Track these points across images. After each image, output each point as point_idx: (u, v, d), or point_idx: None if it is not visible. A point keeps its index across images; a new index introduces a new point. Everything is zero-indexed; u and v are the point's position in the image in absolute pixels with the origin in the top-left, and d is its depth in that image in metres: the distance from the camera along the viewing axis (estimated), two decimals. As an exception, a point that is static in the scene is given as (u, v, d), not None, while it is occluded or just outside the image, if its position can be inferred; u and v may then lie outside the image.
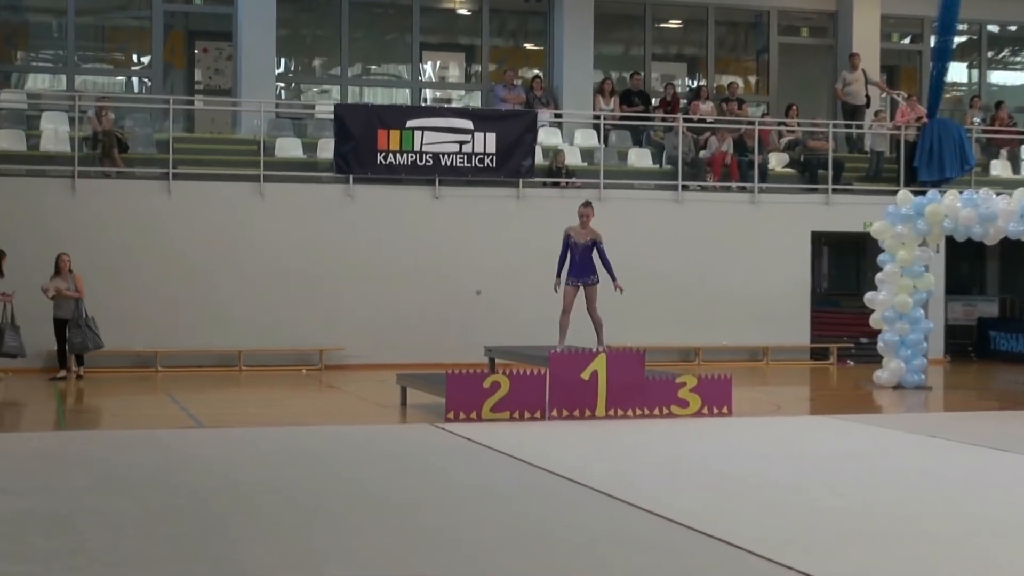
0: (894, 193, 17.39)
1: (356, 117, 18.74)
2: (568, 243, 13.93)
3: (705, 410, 12.91)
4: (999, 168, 22.63)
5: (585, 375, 12.53)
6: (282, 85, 22.60)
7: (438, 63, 23.64)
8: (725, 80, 23.60)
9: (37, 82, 22.19)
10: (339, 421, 12.78)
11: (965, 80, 26.30)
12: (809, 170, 21.06)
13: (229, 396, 15.56)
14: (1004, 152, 22.96)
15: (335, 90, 22.48)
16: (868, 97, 22.46)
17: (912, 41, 25.53)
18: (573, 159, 20.38)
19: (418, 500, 8.33)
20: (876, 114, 22.49)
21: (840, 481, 9.17)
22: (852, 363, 20.07)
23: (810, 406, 15.63)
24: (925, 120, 21.20)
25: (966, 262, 22.63)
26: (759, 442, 11.33)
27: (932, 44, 22.30)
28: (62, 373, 16.48)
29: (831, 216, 20.48)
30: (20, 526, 7.38)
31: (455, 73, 24.02)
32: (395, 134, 18.64)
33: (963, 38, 25.06)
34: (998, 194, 15.38)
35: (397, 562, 6.69)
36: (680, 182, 19.97)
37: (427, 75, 23.22)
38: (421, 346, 18.30)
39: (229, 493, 8.53)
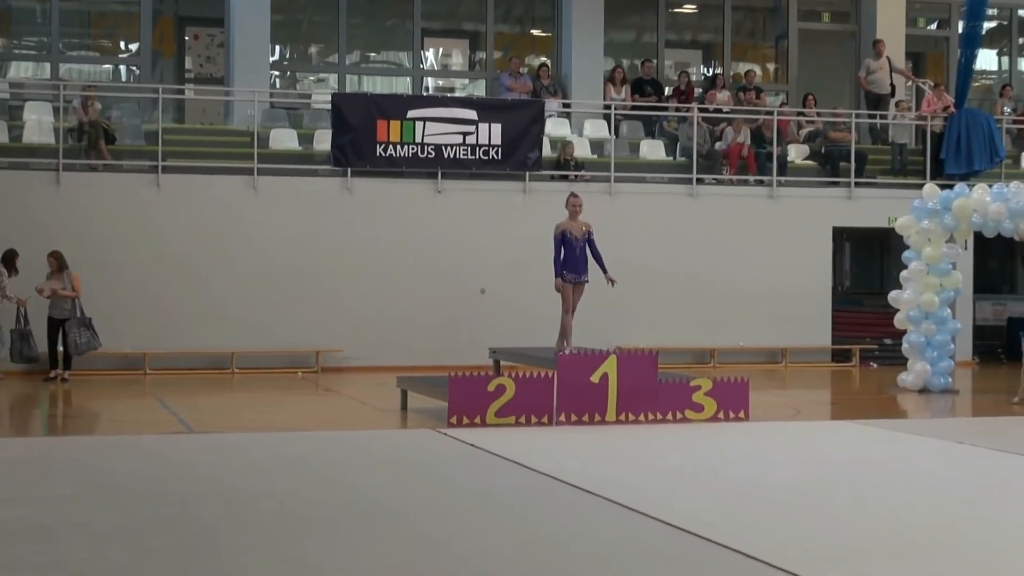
0: (920, 187, 17.38)
1: (354, 107, 18.73)
2: (564, 239, 13.91)
3: (721, 415, 12.90)
4: (1030, 160, 22.61)
5: (594, 378, 12.51)
6: (277, 73, 22.61)
7: (440, 50, 23.64)
8: (742, 68, 23.58)
9: (20, 70, 22.21)
10: (337, 426, 12.77)
11: (995, 68, 26.26)
12: (830, 162, 21.04)
13: (221, 400, 15.56)
14: (1036, 144, 22.93)
15: (332, 78, 22.48)
16: (892, 86, 22.42)
17: (939, 27, 25.49)
18: (582, 151, 20.37)
19: (419, 508, 8.33)
20: (900, 104, 22.45)
21: (863, 489, 9.15)
22: (875, 365, 20.04)
23: (831, 411, 15.61)
24: (952, 110, 21.16)
25: (995, 259, 22.59)
26: (777, 448, 11.32)
27: (960, 30, 22.28)
28: (53, 373, 16.56)
29: (853, 211, 20.46)
30: None
31: (458, 61, 24.02)
32: (395, 125, 18.63)
33: (993, 23, 25.02)
34: (1029, 188, 15.36)
35: (398, 573, 6.68)
36: (695, 175, 19.95)
37: (429, 63, 23.21)
38: (422, 347, 18.30)
39: (221, 502, 8.53)
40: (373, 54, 23.60)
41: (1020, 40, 25.71)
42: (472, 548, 7.27)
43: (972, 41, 20.70)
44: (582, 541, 7.44)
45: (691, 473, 9.93)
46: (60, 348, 16.64)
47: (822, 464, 10.37)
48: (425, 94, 21.84)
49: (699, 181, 20.04)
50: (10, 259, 16.60)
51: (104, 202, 17.81)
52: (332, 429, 12.51)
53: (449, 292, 18.68)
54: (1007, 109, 23.05)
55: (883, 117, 22.25)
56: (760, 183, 20.44)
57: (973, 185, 16.41)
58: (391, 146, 18.63)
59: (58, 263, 16.68)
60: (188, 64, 22.16)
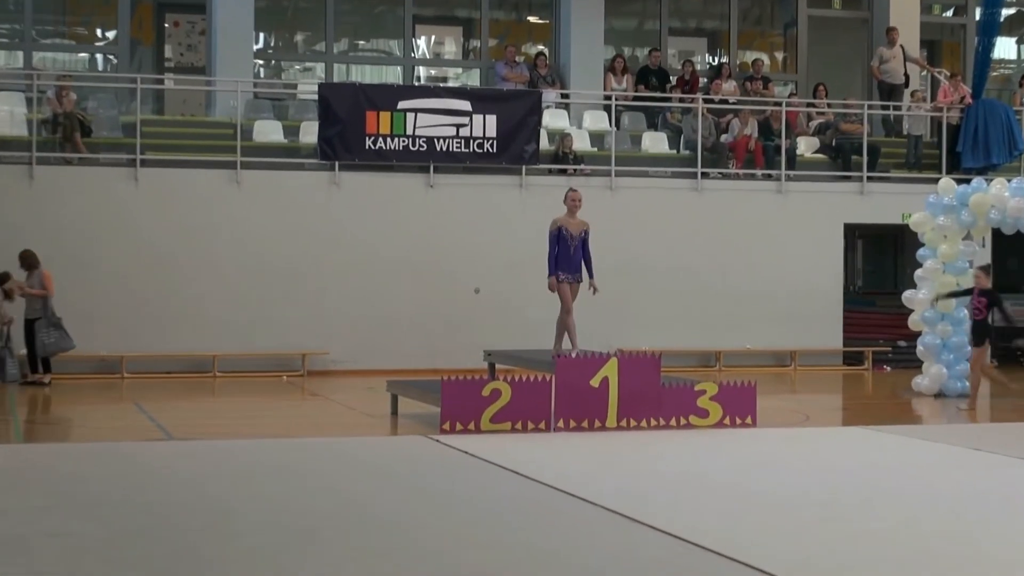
0: (935, 181, 17.39)
1: (342, 98, 18.73)
2: (560, 237, 13.92)
3: (727, 420, 12.89)
4: (1051, 154, 22.62)
5: (594, 382, 12.51)
6: (261, 62, 22.60)
7: (433, 38, 23.63)
8: (749, 57, 23.59)
9: (-9, 59, 22.21)
10: (323, 433, 12.76)
11: (1014, 56, 26.29)
12: (842, 156, 21.05)
13: (202, 405, 15.55)
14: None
15: (319, 68, 22.48)
16: (907, 75, 22.44)
17: (955, 14, 25.51)
18: (581, 144, 20.38)
19: (411, 519, 8.32)
20: (915, 94, 22.47)
21: (877, 499, 9.16)
22: (889, 369, 20.06)
23: (843, 416, 15.62)
24: (969, 101, 21.18)
25: (1015, 257, 22.59)
26: (786, 456, 11.32)
27: (977, 17, 22.29)
28: (32, 377, 16.56)
29: (866, 207, 20.47)
30: (-28, 549, 7.37)
31: (451, 49, 24.02)
32: (385, 116, 18.63)
33: (1011, 10, 25.04)
34: (1050, 182, 15.39)
35: (388, 589, 6.69)
36: (699, 169, 19.96)
37: (421, 51, 23.21)
38: (414, 350, 18.31)
39: (202, 512, 8.52)
40: (362, 42, 23.59)
41: (1040, 28, 25.76)
42: (466, 560, 7.26)
43: (990, 29, 20.72)
44: (582, 554, 7.44)
45: (696, 482, 9.93)
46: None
47: (833, 472, 10.37)
48: (417, 84, 21.83)
49: (704, 175, 20.04)
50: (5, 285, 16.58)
51: (80, 197, 17.80)
52: (319, 436, 12.49)
53: (442, 292, 18.67)
54: (1027, 100, 23.07)
55: (897, 108, 22.27)
56: (768, 177, 20.44)
57: (991, 179, 16.43)
58: (381, 139, 18.62)
59: (26, 263, 16.64)
60: (168, 52, 22.15)
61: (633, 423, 12.59)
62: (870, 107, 21.66)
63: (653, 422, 12.66)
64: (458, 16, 23.66)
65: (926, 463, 11.09)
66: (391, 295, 18.59)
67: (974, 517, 8.59)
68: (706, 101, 20.78)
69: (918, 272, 16.60)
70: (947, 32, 25.69)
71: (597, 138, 20.79)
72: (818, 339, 20.20)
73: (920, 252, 16.62)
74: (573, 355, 13.20)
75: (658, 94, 21.52)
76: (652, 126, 21.53)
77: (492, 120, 19.00)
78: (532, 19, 23.77)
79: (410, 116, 18.70)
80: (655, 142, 20.97)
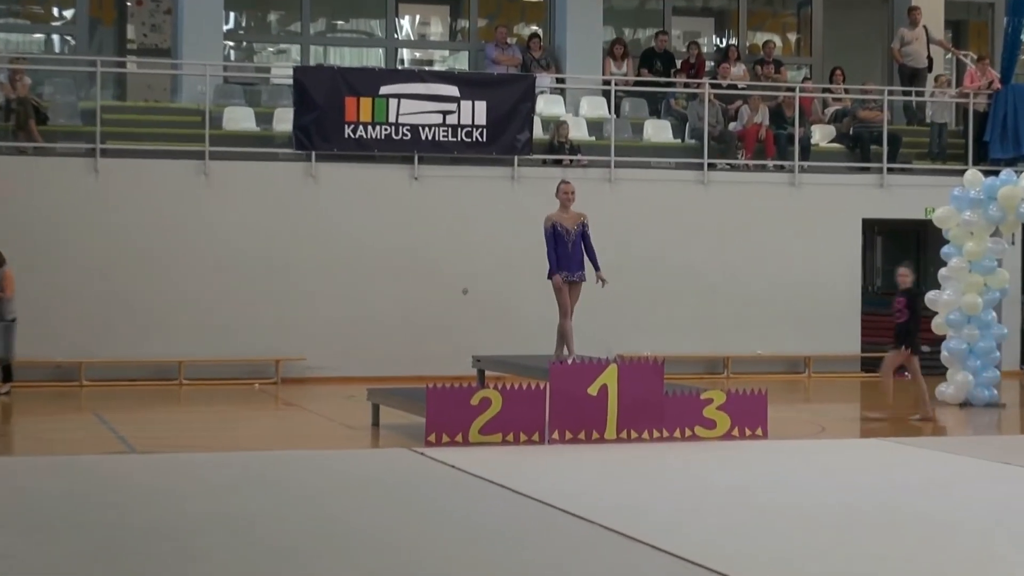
0: (961, 173, 17.40)
1: (319, 82, 18.71)
2: (555, 233, 13.91)
3: (735, 432, 12.89)
4: (1087, 144, 22.65)
5: (592, 390, 12.50)
6: (231, 44, 22.58)
7: (417, 18, 23.62)
8: (760, 38, 23.61)
9: (-62, 40, 22.17)
10: (299, 446, 12.75)
11: (1046, 38, 26.29)
12: (860, 146, 21.06)
13: (167, 415, 15.53)
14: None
15: (294, 50, 22.46)
16: (930, 59, 22.45)
17: (982, -8, 25.54)
18: (578, 133, 20.37)
19: (393, 539, 8.31)
20: (939, 79, 22.49)
21: (898, 518, 9.15)
22: (910, 376, 20.02)
23: (860, 427, 15.61)
24: (998, 86, 21.20)
25: (1047, 255, 22.62)
26: (800, 471, 11.32)
27: (1006, -5, 22.30)
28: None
29: (886, 201, 20.49)
30: (-85, 572, 7.34)
31: (438, 30, 24.01)
32: (366, 103, 18.62)
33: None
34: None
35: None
36: (706, 160, 19.96)
37: (404, 32, 23.21)
38: (397, 356, 18.29)
39: (165, 533, 8.49)
40: (341, 22, 23.57)
41: (1074, 7, 25.77)
42: (453, 584, 7.25)
43: (1021, 7, 20.72)
44: (579, 574, 7.43)
45: (701, 499, 9.93)
46: None
47: (850, 489, 10.36)
48: (400, 68, 21.82)
49: (711, 167, 20.05)
50: None
51: (34, 190, 17.76)
52: (294, 449, 12.47)
53: (427, 293, 18.66)
54: (1061, 85, 23.09)
55: (919, 94, 22.28)
56: (780, 169, 20.45)
57: (1021, 171, 16.42)
58: (361, 127, 18.61)
59: None
60: (131, 33, 22.12)
61: (634, 435, 12.58)
62: (890, 93, 21.66)
63: (655, 434, 12.65)
64: (445, -6, 23.69)
65: (951, 478, 11.09)
66: (372, 296, 18.57)
67: (1005, 538, 8.59)
68: (713, 86, 20.78)
69: (942, 272, 16.60)
70: (974, 11, 25.73)
71: (595, 126, 20.79)
72: (834, 344, 20.20)
73: (944, 250, 16.62)
74: (569, 361, 13.18)
75: (661, 79, 21.51)
76: (655, 113, 21.53)
77: (482, 107, 18.99)
78: (525, -3, 23.79)
79: (393, 102, 18.69)
80: (658, 131, 20.97)
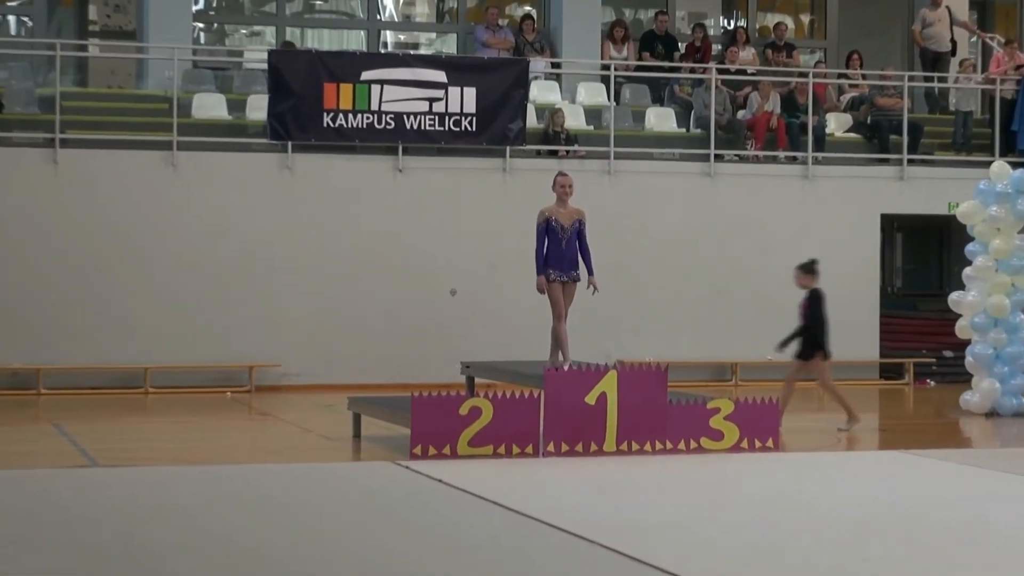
0: (987, 165, 17.41)
1: (296, 67, 18.71)
2: (549, 229, 13.92)
3: (744, 443, 12.90)
4: (1121, 133, 22.69)
5: (590, 399, 12.51)
6: (201, 26, 22.57)
7: (402, -2, 23.65)
8: (771, 20, 23.63)
9: None
10: (275, 459, 12.74)
11: (1078, 20, 26.36)
12: (878, 136, 21.09)
13: (133, 426, 15.52)
14: None
15: (269, 32, 22.46)
16: (954, 42, 22.48)
17: (1010, -30, 25.58)
18: (575, 121, 20.37)
19: (376, 557, 8.32)
20: (963, 64, 22.53)
21: (919, 535, 9.16)
22: (933, 383, 20.08)
23: (880, 438, 15.63)
24: (1027, 71, 21.25)
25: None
26: (814, 485, 11.34)
27: (1036, -26, 22.35)
28: None
29: (906, 195, 20.50)
30: None
31: (424, 11, 24.02)
32: (346, 89, 18.62)
33: (1075, -34, 25.13)
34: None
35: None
36: (712, 151, 19.97)
37: (388, 13, 23.20)
38: (380, 362, 18.30)
39: (130, 554, 8.48)
40: (319, 2, 23.57)
41: (1108, -13, 25.84)
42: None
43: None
44: (575, 599, 7.44)
45: (707, 515, 9.93)
46: None
47: (869, 505, 10.37)
48: (383, 52, 21.82)
49: (718, 158, 20.05)
50: None
51: (-12, 183, 17.77)
52: (269, 462, 12.47)
53: (412, 294, 18.66)
54: (1093, 70, 23.14)
55: (942, 80, 22.30)
56: (792, 160, 20.46)
57: (1052, 163, 16.46)
58: (341, 115, 18.60)
59: None
60: (92, 15, 22.10)
61: (635, 447, 12.58)
62: (911, 79, 21.68)
63: (658, 445, 12.66)
64: (432, -28, 23.71)
65: (977, 493, 11.10)
66: (353, 298, 18.56)
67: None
68: (720, 71, 20.79)
69: (967, 271, 16.62)
70: (1001, -9, 25.77)
71: (593, 114, 20.79)
72: (851, 349, 20.15)
73: (969, 247, 16.63)
74: (565, 367, 13.18)
75: (665, 63, 21.52)
76: (657, 100, 21.53)
77: (471, 94, 18.98)
78: (518, -24, 23.81)
79: (375, 89, 18.68)
80: (661, 119, 20.97)
